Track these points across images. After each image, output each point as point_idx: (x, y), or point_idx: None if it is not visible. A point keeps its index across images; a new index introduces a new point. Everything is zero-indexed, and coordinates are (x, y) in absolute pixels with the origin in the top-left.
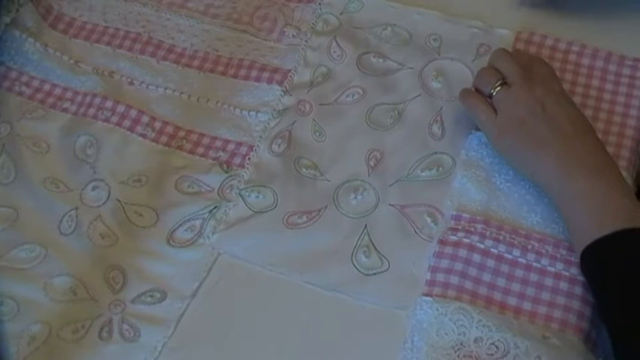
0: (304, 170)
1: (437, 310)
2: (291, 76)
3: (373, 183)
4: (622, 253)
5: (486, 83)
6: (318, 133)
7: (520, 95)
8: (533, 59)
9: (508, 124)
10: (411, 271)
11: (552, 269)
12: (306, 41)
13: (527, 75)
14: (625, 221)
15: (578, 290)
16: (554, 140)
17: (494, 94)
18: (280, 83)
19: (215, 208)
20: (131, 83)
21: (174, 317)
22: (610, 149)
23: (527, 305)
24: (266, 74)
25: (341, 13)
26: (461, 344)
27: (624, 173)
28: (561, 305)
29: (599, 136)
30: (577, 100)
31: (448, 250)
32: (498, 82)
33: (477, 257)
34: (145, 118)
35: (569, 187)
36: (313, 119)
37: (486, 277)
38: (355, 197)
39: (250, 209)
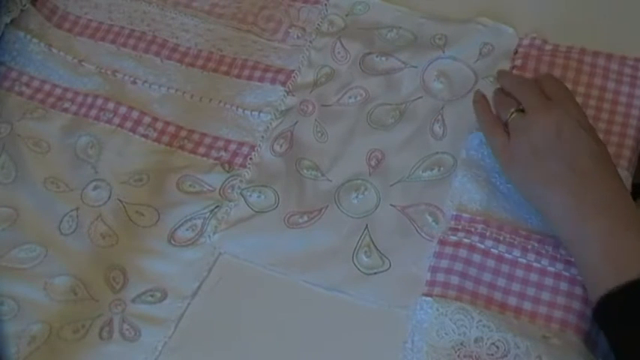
0: (305, 171)
1: (437, 310)
2: (294, 77)
3: (374, 183)
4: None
5: (503, 111)
6: (320, 134)
7: (535, 121)
8: (544, 79)
9: (520, 152)
10: (411, 271)
11: (552, 269)
12: (310, 42)
13: (542, 99)
14: (636, 267)
15: (578, 290)
16: (568, 177)
17: (509, 120)
18: (283, 84)
19: (216, 207)
20: (134, 82)
21: (175, 317)
22: (611, 149)
23: (527, 305)
24: (269, 74)
25: (347, 15)
26: (461, 344)
27: (625, 173)
28: (561, 305)
29: (601, 136)
30: (579, 99)
31: (448, 250)
32: (514, 109)
33: (477, 257)
34: (147, 119)
35: (581, 228)
36: (315, 120)
37: (486, 277)
38: (356, 197)
39: (251, 209)
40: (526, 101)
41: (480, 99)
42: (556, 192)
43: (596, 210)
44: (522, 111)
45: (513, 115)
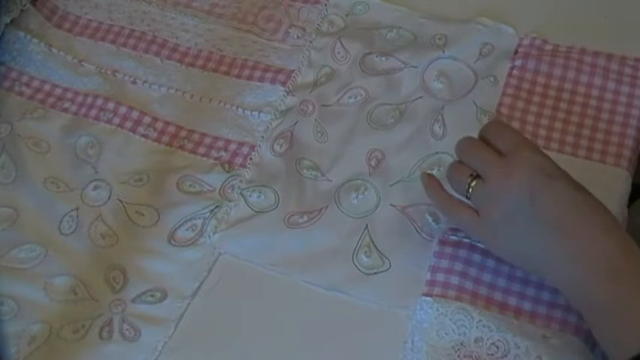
0: (305, 171)
1: (437, 310)
2: (294, 77)
3: (374, 183)
4: None
5: (458, 184)
6: (320, 134)
7: (497, 190)
8: (491, 130)
9: (496, 228)
10: (411, 271)
11: None
12: (310, 42)
13: (496, 160)
14: None
15: None
16: (558, 242)
17: (470, 193)
18: (283, 84)
19: (216, 207)
20: (134, 82)
21: (175, 317)
22: (612, 149)
23: (527, 305)
24: (269, 74)
25: (347, 15)
26: (461, 344)
27: (625, 173)
28: (561, 305)
29: (601, 136)
30: (579, 99)
31: (448, 250)
32: (470, 179)
33: (477, 257)
34: (147, 119)
35: (585, 298)
36: (315, 120)
37: (486, 277)
38: (356, 197)
39: (251, 209)
40: (478, 166)
41: (428, 181)
42: (552, 261)
43: (600, 276)
44: (480, 177)
45: (472, 187)
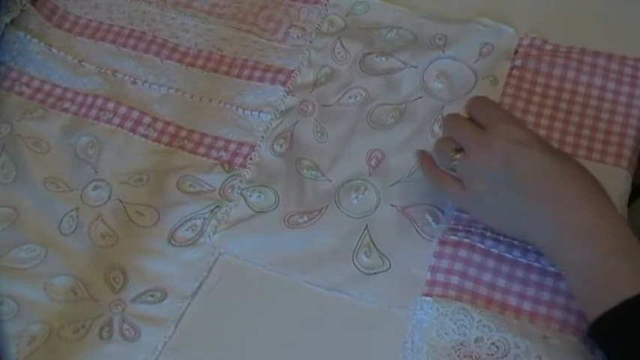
0: (305, 171)
1: (437, 310)
2: (294, 77)
3: (374, 183)
4: (633, 324)
5: (443, 157)
6: (320, 134)
7: (478, 162)
8: (472, 105)
9: (481, 198)
10: (412, 271)
11: (552, 269)
12: (310, 42)
13: (476, 133)
14: (627, 288)
15: None
16: (533, 208)
17: (455, 166)
18: (283, 84)
19: (216, 207)
20: (134, 82)
21: (175, 317)
22: (612, 149)
23: (527, 305)
24: (269, 74)
25: (347, 15)
26: (461, 344)
27: (625, 173)
28: (561, 305)
29: (601, 136)
30: (579, 99)
31: (448, 250)
32: (454, 153)
33: (477, 257)
34: (147, 119)
35: (562, 259)
36: (315, 120)
37: (487, 277)
38: (356, 197)
39: (251, 209)
40: (461, 141)
41: (421, 157)
42: (532, 227)
43: (577, 237)
44: (462, 150)
45: (455, 160)
